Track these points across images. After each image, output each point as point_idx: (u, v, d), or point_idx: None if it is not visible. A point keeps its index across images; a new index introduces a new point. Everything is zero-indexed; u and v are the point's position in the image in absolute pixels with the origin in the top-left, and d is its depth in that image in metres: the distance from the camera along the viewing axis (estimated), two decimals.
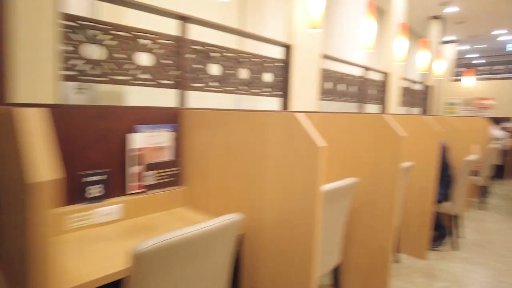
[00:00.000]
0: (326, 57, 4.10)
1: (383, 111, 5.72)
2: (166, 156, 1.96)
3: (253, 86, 3.07)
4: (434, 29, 8.83)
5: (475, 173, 4.72)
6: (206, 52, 2.62)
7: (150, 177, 1.90)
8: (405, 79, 7.13)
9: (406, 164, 2.59)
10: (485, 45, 12.52)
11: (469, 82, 9.42)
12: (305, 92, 3.64)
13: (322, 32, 3.92)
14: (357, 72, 5.02)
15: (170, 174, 1.98)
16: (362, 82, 5.05)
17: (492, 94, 9.71)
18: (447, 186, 3.33)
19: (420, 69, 6.10)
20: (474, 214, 4.77)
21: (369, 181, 2.26)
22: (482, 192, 5.32)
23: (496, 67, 10.84)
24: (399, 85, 6.42)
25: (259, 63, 3.15)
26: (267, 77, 3.27)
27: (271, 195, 1.61)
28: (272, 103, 3.63)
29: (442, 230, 3.43)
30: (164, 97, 2.67)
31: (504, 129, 7.90)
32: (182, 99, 2.47)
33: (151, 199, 1.90)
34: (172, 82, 2.41)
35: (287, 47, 3.49)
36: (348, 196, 2.07)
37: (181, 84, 2.45)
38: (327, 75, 4.15)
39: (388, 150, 2.18)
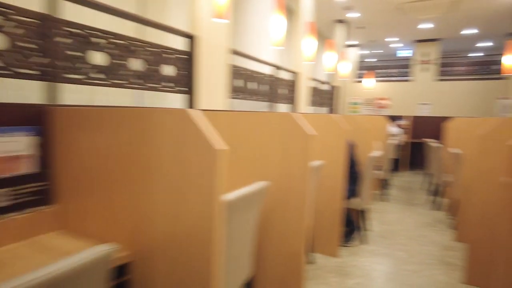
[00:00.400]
0: (236, 52, 3.91)
1: (293, 110, 5.81)
2: (26, 168, 1.51)
3: (150, 80, 2.69)
4: (339, 32, 9.40)
5: (377, 167, 5.04)
6: (85, 37, 2.17)
7: (1, 197, 1.43)
8: (314, 79, 7.40)
9: (316, 163, 2.52)
10: (382, 51, 13.90)
11: (370, 84, 10.28)
12: (213, 89, 3.39)
13: (231, 26, 3.71)
14: (268, 70, 4.96)
15: (33, 190, 1.54)
16: (273, 81, 5.01)
17: (389, 95, 10.77)
18: (355, 182, 3.41)
19: (327, 70, 6.36)
20: (378, 206, 5.09)
21: (280, 183, 2.11)
22: (383, 184, 5.75)
23: (390, 71, 12.07)
24: (308, 84, 6.61)
25: (157, 54, 2.78)
26: (169, 70, 2.92)
27: (164, 210, 1.32)
28: (179, 101, 3.29)
29: (352, 226, 3.51)
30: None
31: (399, 126, 8.79)
32: (51, 93, 1.99)
33: (3, 226, 1.43)
34: (36, 72, 1.91)
35: (191, 38, 3.17)
36: (258, 202, 1.88)
37: (49, 75, 1.96)
38: (237, 72, 3.96)
39: (297, 149, 2.05)
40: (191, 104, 3.16)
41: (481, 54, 12.33)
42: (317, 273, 2.81)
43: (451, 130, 4.85)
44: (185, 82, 3.09)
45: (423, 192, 6.27)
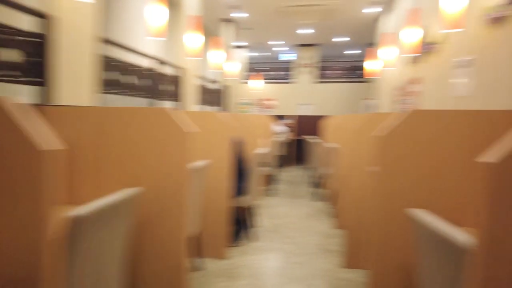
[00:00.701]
0: (108, 41, 3.44)
1: (180, 108, 5.52)
2: None
3: None
4: (227, 31, 9.45)
5: (264, 164, 5.15)
6: None
7: None
8: (202, 77, 7.23)
9: (200, 163, 2.34)
10: (270, 53, 14.57)
11: (258, 85, 10.65)
12: (77, 81, 2.88)
13: (101, 10, 3.23)
14: (151, 64, 4.58)
15: None
16: (155, 76, 4.64)
17: (275, 95, 11.35)
18: (243, 179, 3.36)
19: (213, 67, 6.26)
20: (266, 201, 5.21)
21: (155, 189, 1.86)
22: (271, 180, 5.94)
23: (277, 73, 12.77)
24: (196, 82, 6.40)
25: None
26: (11, 55, 2.34)
27: None
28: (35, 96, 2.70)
29: (241, 224, 3.45)
30: None
31: (286, 124, 9.31)
32: None
33: None
34: None
35: (45, 18, 2.59)
36: (125, 213, 1.59)
37: None
38: (109, 64, 3.49)
39: (174, 149, 1.84)
40: (47, 99, 2.62)
41: (352, 60, 13.98)
42: (205, 280, 2.64)
43: (329, 127, 5.26)
44: (37, 72, 2.53)
45: (307, 185, 6.71)
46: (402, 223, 1.71)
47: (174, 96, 5.35)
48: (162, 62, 4.84)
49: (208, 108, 7.53)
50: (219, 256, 2.97)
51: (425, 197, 1.72)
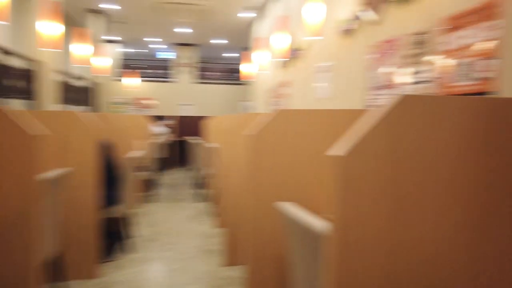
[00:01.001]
0: None
1: (34, 108, 4.72)
2: None
3: None
4: (96, 23, 8.56)
5: (142, 168, 4.83)
6: None
7: None
8: (65, 72, 6.37)
9: (55, 172, 2.01)
10: (147, 50, 13.83)
11: (134, 83, 9.97)
12: None
13: None
14: None
15: None
16: None
17: (154, 95, 10.83)
18: (114, 187, 3.05)
19: (80, 63, 5.56)
20: (145, 208, 4.89)
21: None
22: (150, 185, 5.62)
23: (155, 71, 12.23)
24: (57, 78, 5.58)
25: None
26: None
27: None
28: None
29: (115, 237, 3.14)
30: None
31: (166, 125, 8.97)
32: None
33: None
34: None
35: None
36: None
37: None
38: None
39: (16, 157, 1.52)
40: None
41: (231, 62, 14.40)
42: None
43: (210, 127, 5.26)
44: None
45: (190, 187, 6.60)
46: (273, 217, 1.79)
47: (26, 93, 4.53)
48: (7, 52, 4.03)
49: (73, 108, 6.65)
50: (89, 275, 2.63)
51: (292, 190, 1.83)
